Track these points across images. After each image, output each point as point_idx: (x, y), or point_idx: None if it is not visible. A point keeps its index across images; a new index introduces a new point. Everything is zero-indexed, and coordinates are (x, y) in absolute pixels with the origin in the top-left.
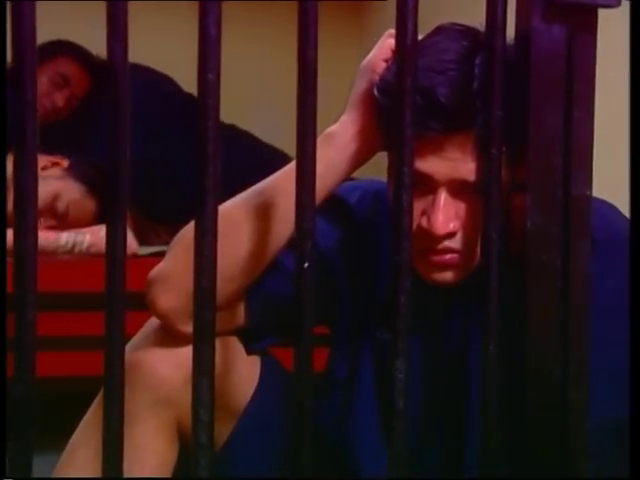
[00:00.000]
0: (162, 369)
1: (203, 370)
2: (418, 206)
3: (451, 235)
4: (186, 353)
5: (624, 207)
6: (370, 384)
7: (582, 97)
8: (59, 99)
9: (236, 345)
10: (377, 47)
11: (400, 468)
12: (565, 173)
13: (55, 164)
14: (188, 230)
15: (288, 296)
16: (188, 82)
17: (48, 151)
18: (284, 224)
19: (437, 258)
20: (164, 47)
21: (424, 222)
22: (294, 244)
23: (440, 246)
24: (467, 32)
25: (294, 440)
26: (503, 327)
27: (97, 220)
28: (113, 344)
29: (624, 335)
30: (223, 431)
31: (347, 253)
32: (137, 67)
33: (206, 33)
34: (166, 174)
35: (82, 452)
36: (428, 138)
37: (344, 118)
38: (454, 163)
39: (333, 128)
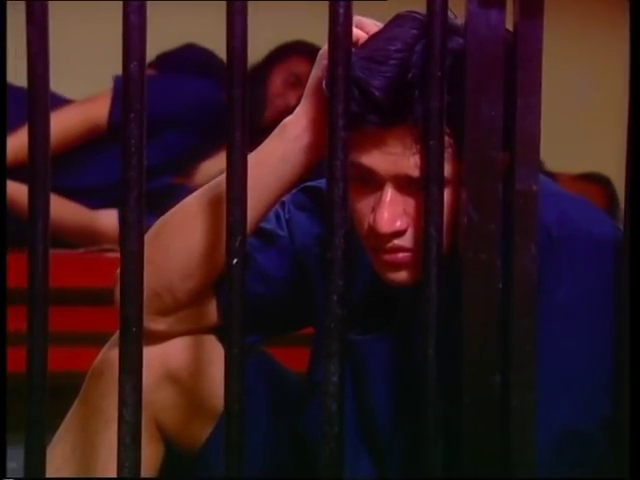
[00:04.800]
0: None
1: (128, 369)
2: (368, 203)
3: (399, 233)
4: (157, 351)
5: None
6: (348, 386)
7: (527, 85)
8: (293, 99)
9: (212, 344)
10: None
11: (333, 472)
12: (509, 166)
13: None
14: (153, 226)
15: (261, 294)
16: None
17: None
18: None
19: (389, 257)
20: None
21: (371, 220)
22: (260, 236)
23: (389, 245)
24: (422, 21)
25: (225, 443)
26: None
27: None
28: (35, 340)
29: (587, 336)
30: (202, 431)
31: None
32: None
33: (129, 21)
34: None
35: (59, 448)
36: (369, 131)
37: (297, 109)
38: (395, 157)
39: (287, 119)
